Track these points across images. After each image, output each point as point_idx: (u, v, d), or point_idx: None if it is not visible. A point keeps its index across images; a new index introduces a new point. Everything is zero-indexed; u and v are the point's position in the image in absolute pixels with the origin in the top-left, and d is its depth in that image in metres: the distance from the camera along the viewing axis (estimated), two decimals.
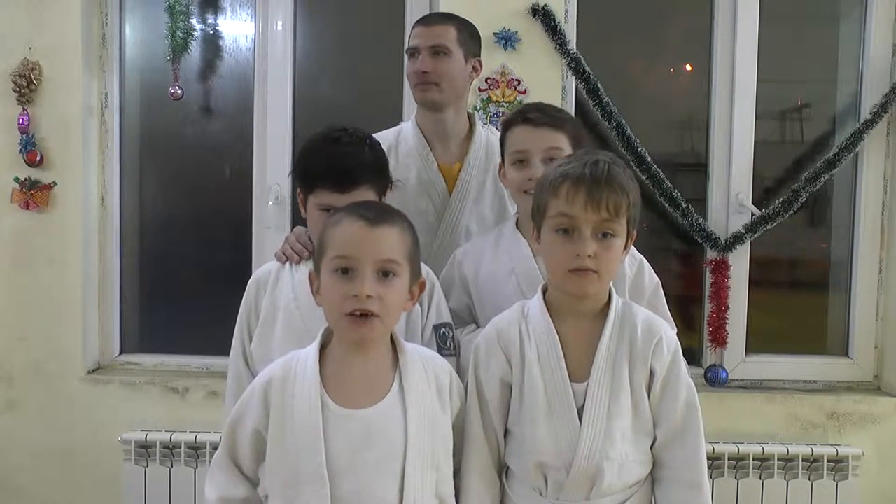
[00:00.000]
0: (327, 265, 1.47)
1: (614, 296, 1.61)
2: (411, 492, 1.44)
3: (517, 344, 1.60)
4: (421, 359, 1.56)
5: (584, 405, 1.54)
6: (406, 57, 2.31)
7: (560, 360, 1.56)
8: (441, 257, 2.20)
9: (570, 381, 1.55)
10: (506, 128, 1.98)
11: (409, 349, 1.55)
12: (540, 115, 1.91)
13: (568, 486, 1.55)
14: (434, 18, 2.32)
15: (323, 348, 1.53)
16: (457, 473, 1.59)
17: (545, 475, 1.57)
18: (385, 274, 1.45)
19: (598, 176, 1.50)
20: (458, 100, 2.29)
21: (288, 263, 1.89)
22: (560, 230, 1.53)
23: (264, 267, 1.94)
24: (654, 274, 1.97)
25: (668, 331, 1.61)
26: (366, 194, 1.74)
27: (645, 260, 1.96)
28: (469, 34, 2.29)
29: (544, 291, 1.63)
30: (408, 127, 2.34)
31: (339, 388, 1.48)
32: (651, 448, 1.59)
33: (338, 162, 1.76)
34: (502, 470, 1.64)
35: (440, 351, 1.81)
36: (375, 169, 1.79)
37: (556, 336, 1.57)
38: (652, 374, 1.56)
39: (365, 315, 1.43)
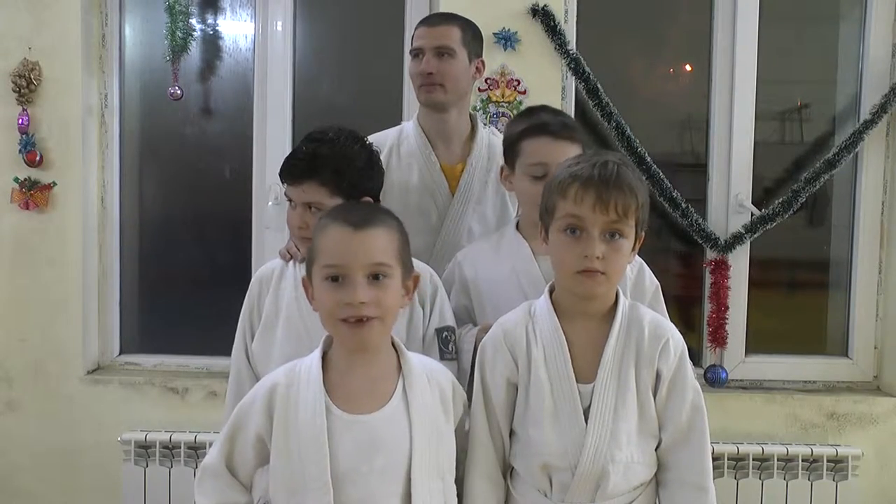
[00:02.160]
0: (318, 273, 1.46)
1: (621, 297, 1.61)
2: (419, 501, 1.44)
3: (524, 344, 1.60)
4: (424, 369, 1.55)
5: (590, 406, 1.54)
6: (409, 57, 2.31)
7: (567, 361, 1.56)
8: (443, 258, 2.20)
9: (577, 382, 1.55)
10: (521, 136, 1.92)
11: (410, 356, 1.54)
12: (560, 128, 1.88)
13: (573, 487, 1.55)
14: (438, 19, 2.31)
15: (325, 354, 1.52)
16: (460, 479, 1.59)
17: (550, 476, 1.57)
18: (376, 277, 1.44)
19: (607, 177, 1.50)
20: (462, 100, 2.29)
21: (292, 262, 1.90)
22: (568, 231, 1.52)
23: (268, 265, 1.95)
24: (654, 277, 1.98)
25: (674, 333, 1.61)
26: (317, 189, 1.76)
27: (645, 264, 1.96)
28: (472, 34, 2.29)
29: (551, 292, 1.63)
30: (409, 127, 2.34)
31: (343, 393, 1.48)
32: (656, 450, 1.59)
33: (292, 156, 1.83)
34: (507, 471, 1.64)
35: (442, 355, 1.81)
36: (326, 166, 1.77)
37: (563, 336, 1.57)
38: (658, 375, 1.56)
39: (361, 320, 1.43)
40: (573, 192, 1.51)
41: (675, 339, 1.59)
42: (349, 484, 1.43)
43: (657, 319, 1.62)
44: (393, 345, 1.54)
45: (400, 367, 1.52)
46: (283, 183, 1.85)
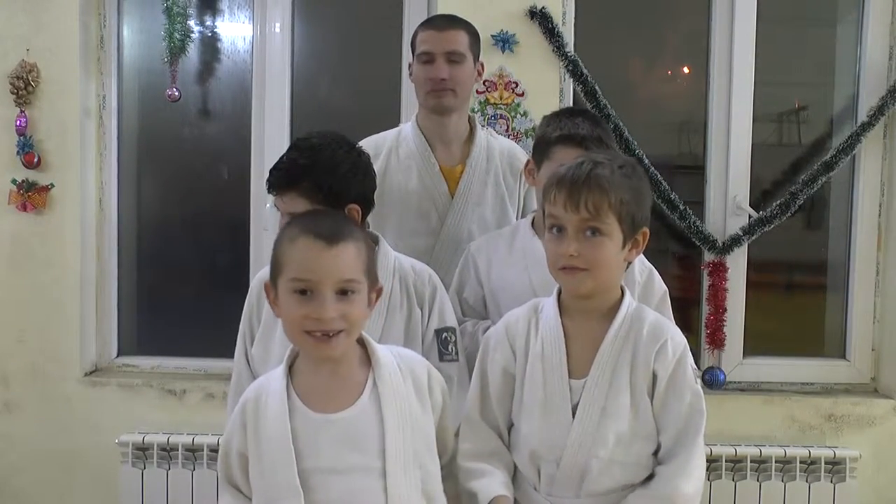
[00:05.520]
0: (285, 285, 1.45)
1: (627, 297, 1.62)
2: (396, 492, 1.44)
3: (524, 337, 1.63)
4: (395, 357, 1.55)
5: (580, 402, 1.56)
6: (406, 59, 2.31)
7: (562, 355, 1.58)
8: (441, 260, 2.20)
9: (571, 377, 1.57)
10: (556, 141, 1.89)
11: (379, 349, 1.54)
12: (596, 145, 1.85)
13: (557, 481, 1.57)
14: (446, 23, 2.29)
15: (294, 362, 1.52)
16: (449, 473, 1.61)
17: (538, 468, 1.59)
18: (344, 292, 1.43)
19: (577, 177, 1.53)
20: (465, 104, 2.30)
21: None
22: (554, 230, 1.56)
23: (267, 268, 1.94)
24: (663, 283, 2.00)
25: (675, 334, 1.61)
26: (297, 200, 1.75)
27: (654, 269, 1.98)
28: (476, 38, 2.30)
29: (560, 291, 1.65)
30: (408, 129, 2.34)
31: (314, 394, 1.48)
32: (655, 454, 1.58)
33: (274, 167, 1.82)
34: (511, 463, 1.65)
35: (441, 356, 1.81)
36: (305, 177, 1.76)
37: (562, 331, 1.60)
38: (655, 376, 1.57)
39: (329, 334, 1.42)
40: (552, 194, 1.56)
41: (675, 341, 1.59)
42: (328, 483, 1.43)
43: (659, 321, 1.63)
44: (362, 341, 1.54)
45: (369, 362, 1.52)
46: (269, 193, 1.85)
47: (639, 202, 1.58)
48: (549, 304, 1.64)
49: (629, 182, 1.56)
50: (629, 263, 1.65)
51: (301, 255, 1.44)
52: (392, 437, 1.46)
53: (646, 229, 1.59)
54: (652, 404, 1.57)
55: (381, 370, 1.51)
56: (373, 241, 1.79)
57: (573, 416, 1.55)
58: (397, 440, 1.46)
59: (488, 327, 1.95)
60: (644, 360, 1.57)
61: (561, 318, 1.61)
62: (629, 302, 1.62)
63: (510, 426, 1.66)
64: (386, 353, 1.54)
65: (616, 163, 1.57)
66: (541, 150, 1.95)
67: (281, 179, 1.79)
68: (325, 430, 1.45)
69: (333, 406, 1.47)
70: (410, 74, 2.32)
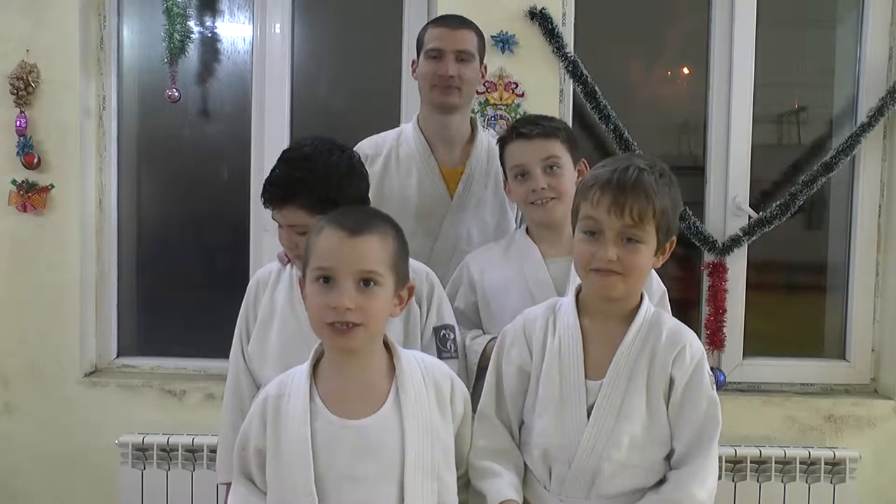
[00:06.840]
0: (310, 274, 1.46)
1: (645, 301, 1.62)
2: (412, 502, 1.44)
3: (541, 335, 1.63)
4: (420, 366, 1.55)
5: (595, 403, 1.56)
6: (407, 60, 2.31)
7: (579, 355, 1.58)
8: (440, 261, 2.20)
9: (588, 378, 1.57)
10: (502, 145, 2.04)
11: (405, 356, 1.54)
12: (532, 128, 1.98)
13: (568, 481, 1.57)
14: (457, 22, 2.29)
15: (318, 362, 1.53)
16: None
17: (550, 468, 1.59)
18: (367, 283, 1.44)
19: (624, 182, 1.51)
20: (468, 104, 2.31)
21: (289, 264, 1.90)
22: (587, 232, 1.55)
23: (266, 267, 1.97)
24: (662, 283, 2.00)
25: (693, 341, 1.60)
26: (296, 212, 1.75)
27: (654, 269, 1.98)
28: (482, 41, 2.31)
29: (578, 291, 1.65)
30: (409, 129, 2.34)
31: (336, 399, 1.48)
32: (668, 459, 1.58)
33: (269, 181, 1.81)
34: (521, 463, 1.65)
35: (440, 353, 1.81)
36: (302, 189, 1.75)
37: (580, 331, 1.60)
38: (672, 381, 1.56)
39: (346, 325, 1.43)
40: (592, 195, 1.54)
41: (693, 348, 1.59)
42: (344, 489, 1.43)
43: (678, 327, 1.62)
44: (386, 344, 1.54)
45: (394, 369, 1.52)
46: (265, 208, 1.83)
47: (675, 211, 1.58)
48: (568, 304, 1.64)
49: (669, 191, 1.56)
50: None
51: (324, 243, 1.46)
52: (412, 448, 1.46)
53: (674, 238, 1.59)
54: (667, 409, 1.57)
55: (405, 379, 1.51)
56: None
57: (588, 417, 1.55)
58: (417, 451, 1.46)
59: (477, 336, 1.99)
60: (661, 364, 1.56)
61: (579, 318, 1.61)
62: (647, 306, 1.62)
63: (521, 424, 1.66)
64: (411, 361, 1.54)
65: (657, 170, 1.56)
66: (502, 163, 2.07)
67: (276, 194, 1.78)
68: (344, 436, 1.45)
69: (355, 412, 1.47)
70: (414, 72, 2.32)
